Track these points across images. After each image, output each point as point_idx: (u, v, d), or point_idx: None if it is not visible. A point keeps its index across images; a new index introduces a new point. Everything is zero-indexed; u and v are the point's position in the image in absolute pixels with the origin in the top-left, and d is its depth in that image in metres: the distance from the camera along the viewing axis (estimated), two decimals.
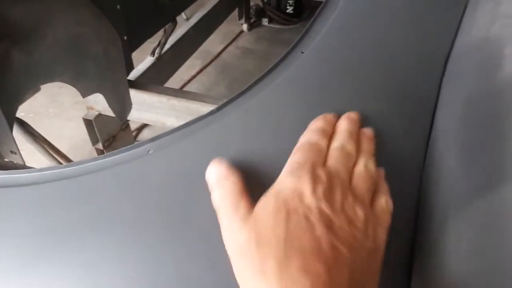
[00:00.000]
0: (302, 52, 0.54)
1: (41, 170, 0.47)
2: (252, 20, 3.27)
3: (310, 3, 3.24)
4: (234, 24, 3.28)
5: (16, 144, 1.01)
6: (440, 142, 0.49)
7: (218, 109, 0.50)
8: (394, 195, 0.46)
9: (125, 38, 1.61)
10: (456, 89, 0.50)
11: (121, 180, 0.47)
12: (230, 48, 3.14)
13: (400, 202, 0.47)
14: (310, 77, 0.53)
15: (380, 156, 0.49)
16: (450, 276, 0.40)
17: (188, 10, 2.52)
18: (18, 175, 0.46)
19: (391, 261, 0.45)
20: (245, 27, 3.25)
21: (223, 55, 3.08)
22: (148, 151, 0.48)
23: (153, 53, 2.19)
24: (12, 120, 1.05)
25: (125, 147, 0.48)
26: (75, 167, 0.47)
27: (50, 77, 1.16)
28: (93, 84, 1.30)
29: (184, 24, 2.56)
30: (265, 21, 3.31)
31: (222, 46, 3.13)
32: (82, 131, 2.36)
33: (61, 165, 0.47)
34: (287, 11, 3.20)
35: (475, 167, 0.42)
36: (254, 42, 3.19)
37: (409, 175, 0.49)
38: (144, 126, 2.48)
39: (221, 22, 2.84)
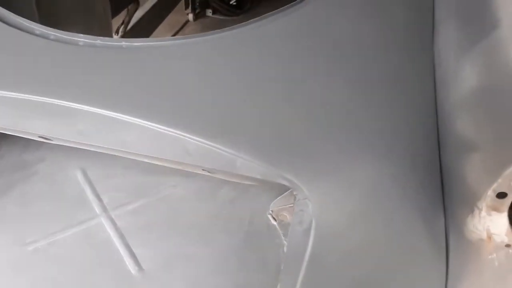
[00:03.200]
0: None
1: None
2: (197, 11, 3.43)
3: None
4: (179, 15, 3.42)
5: None
6: (442, 25, 0.75)
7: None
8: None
9: None
10: None
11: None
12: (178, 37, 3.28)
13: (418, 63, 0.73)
14: None
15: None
16: (466, 96, 0.64)
17: None
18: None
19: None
20: (190, 17, 3.40)
21: None
22: None
23: (117, 32, 2.28)
24: None
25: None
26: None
27: (68, 26, 1.28)
28: None
29: (138, 10, 2.66)
30: (209, 12, 3.49)
31: (170, 35, 3.25)
32: None
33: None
34: (231, 2, 3.41)
35: (472, 27, 0.68)
36: (200, 31, 3.37)
37: (423, 44, 0.74)
38: None
39: (171, 9, 2.99)
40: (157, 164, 0.82)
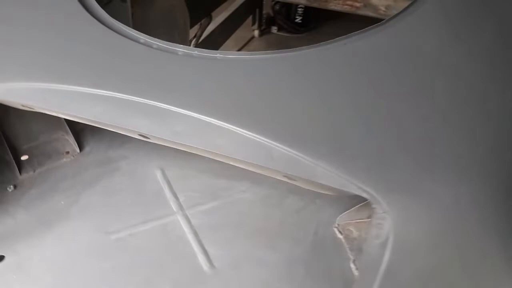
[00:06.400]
0: None
1: None
2: (263, 27, 3.53)
3: (318, 14, 3.54)
4: (246, 31, 3.54)
5: None
6: None
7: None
8: None
9: None
10: None
11: None
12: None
13: None
14: None
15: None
16: None
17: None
18: None
19: None
20: (256, 33, 3.51)
21: None
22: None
23: (189, 43, 2.41)
24: None
25: None
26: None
27: (154, 36, 1.37)
28: None
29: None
30: (274, 29, 3.57)
31: (236, 49, 3.37)
32: None
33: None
34: (296, 20, 3.48)
35: None
36: (265, 47, 3.45)
37: None
38: None
39: (240, 24, 3.11)
40: (227, 169, 0.87)
